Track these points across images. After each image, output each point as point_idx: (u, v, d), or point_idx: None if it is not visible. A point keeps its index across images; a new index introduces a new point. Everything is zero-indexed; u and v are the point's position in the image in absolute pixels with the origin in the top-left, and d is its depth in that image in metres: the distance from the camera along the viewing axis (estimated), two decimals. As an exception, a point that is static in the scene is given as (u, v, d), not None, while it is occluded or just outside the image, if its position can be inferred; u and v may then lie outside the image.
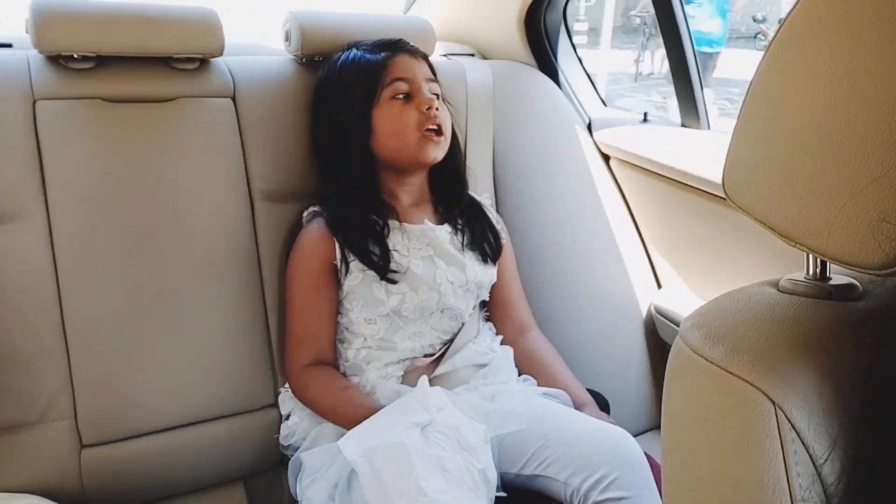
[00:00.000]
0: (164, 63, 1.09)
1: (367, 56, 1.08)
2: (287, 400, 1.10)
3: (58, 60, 1.04)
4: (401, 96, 1.06)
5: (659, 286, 1.42)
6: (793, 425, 0.39)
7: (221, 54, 1.11)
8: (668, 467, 0.45)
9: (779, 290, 0.52)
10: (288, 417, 1.10)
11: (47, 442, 0.99)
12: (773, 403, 0.39)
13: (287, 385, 1.10)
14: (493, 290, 1.18)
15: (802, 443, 0.39)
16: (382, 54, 1.08)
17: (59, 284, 1.00)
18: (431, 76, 1.11)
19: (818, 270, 0.52)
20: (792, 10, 0.47)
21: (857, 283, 0.51)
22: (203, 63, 1.12)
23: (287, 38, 1.18)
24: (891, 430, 0.41)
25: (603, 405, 1.16)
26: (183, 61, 1.10)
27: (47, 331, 0.99)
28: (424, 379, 0.99)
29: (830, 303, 0.49)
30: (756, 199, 0.49)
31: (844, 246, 0.42)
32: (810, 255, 0.51)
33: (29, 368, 0.98)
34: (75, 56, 1.03)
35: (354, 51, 1.10)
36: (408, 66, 1.07)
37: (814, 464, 0.38)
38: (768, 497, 0.38)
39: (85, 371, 1.00)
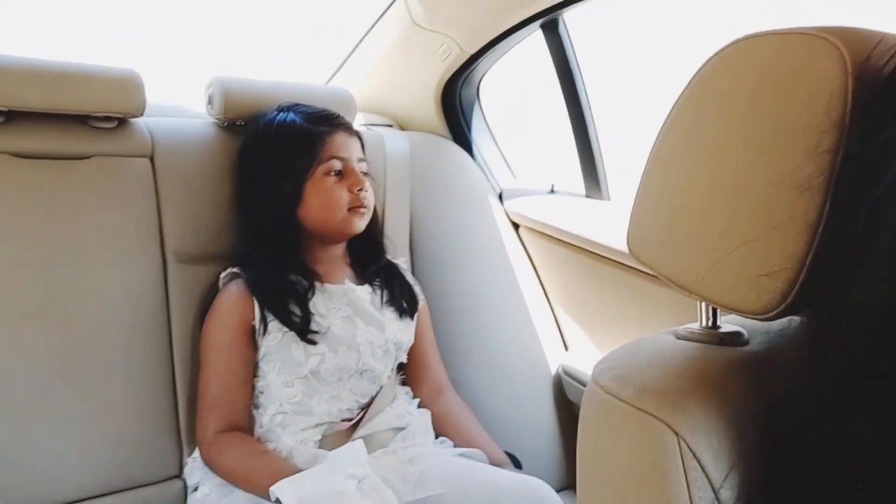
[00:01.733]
0: (79, 120, 1.08)
1: (307, 126, 1.10)
2: (195, 470, 1.06)
3: None
4: (334, 173, 1.09)
5: (566, 348, 1.48)
6: (693, 453, 0.43)
7: (142, 114, 1.11)
8: (583, 497, 0.48)
9: (677, 338, 0.57)
10: (195, 489, 1.05)
11: None
12: (677, 435, 0.44)
13: (195, 454, 1.06)
14: (411, 351, 1.20)
15: (702, 469, 0.43)
16: (322, 128, 1.10)
17: None
18: (362, 155, 1.15)
19: (710, 320, 0.58)
20: (684, 90, 0.54)
21: (743, 331, 0.58)
22: (122, 122, 1.12)
23: (210, 101, 1.20)
24: (781, 462, 0.45)
25: (516, 465, 1.18)
26: (101, 119, 1.09)
27: None
28: (360, 441, 1.00)
29: (722, 347, 0.55)
30: (656, 255, 0.55)
31: (732, 295, 0.48)
32: (703, 305, 0.57)
33: None
34: None
35: (291, 115, 1.12)
36: (344, 145, 1.11)
37: (713, 488, 0.43)
38: None
39: None
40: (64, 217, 1.04)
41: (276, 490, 0.88)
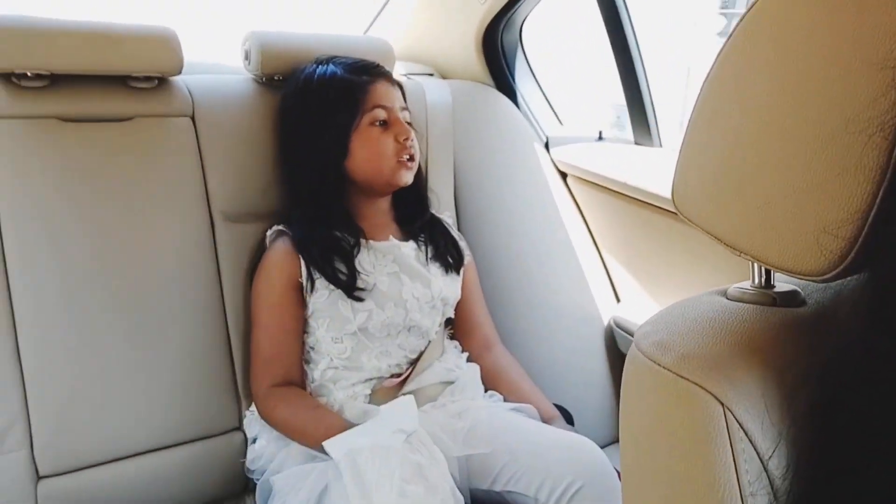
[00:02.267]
0: (120, 82, 1.08)
1: (349, 76, 1.09)
2: (253, 423, 1.08)
3: (10, 79, 1.02)
4: (378, 123, 1.07)
5: (618, 300, 1.45)
6: (740, 424, 0.41)
7: (180, 73, 1.10)
8: (626, 468, 0.47)
9: (727, 298, 0.54)
10: (254, 441, 1.08)
11: (1, 474, 0.96)
12: (722, 404, 0.41)
13: (252, 408, 1.08)
14: (458, 307, 1.19)
15: (749, 440, 0.41)
16: (364, 77, 1.08)
17: (14, 310, 0.97)
18: (405, 104, 1.13)
19: (763, 279, 0.54)
20: (732, 32, 0.50)
21: (800, 290, 0.54)
22: (161, 82, 1.12)
23: (247, 57, 1.18)
24: (833, 427, 0.43)
25: (567, 419, 1.18)
26: (140, 80, 1.09)
27: (2, 364, 0.96)
28: (410, 397, 1.00)
29: (775, 309, 0.52)
30: (703, 212, 0.52)
31: (787, 255, 0.44)
32: (755, 265, 0.54)
33: None
34: (28, 74, 1.01)
35: (332, 67, 1.10)
36: (387, 94, 1.09)
37: (760, 459, 0.40)
38: (719, 490, 0.40)
39: (41, 400, 0.98)
40: (110, 179, 1.05)
41: (328, 445, 0.90)
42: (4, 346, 0.97)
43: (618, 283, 1.45)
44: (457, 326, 1.21)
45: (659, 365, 0.45)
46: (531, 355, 1.28)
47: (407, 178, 1.10)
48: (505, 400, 1.13)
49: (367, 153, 1.07)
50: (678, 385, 0.43)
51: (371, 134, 1.07)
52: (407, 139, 1.08)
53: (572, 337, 1.38)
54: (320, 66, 1.11)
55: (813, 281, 0.44)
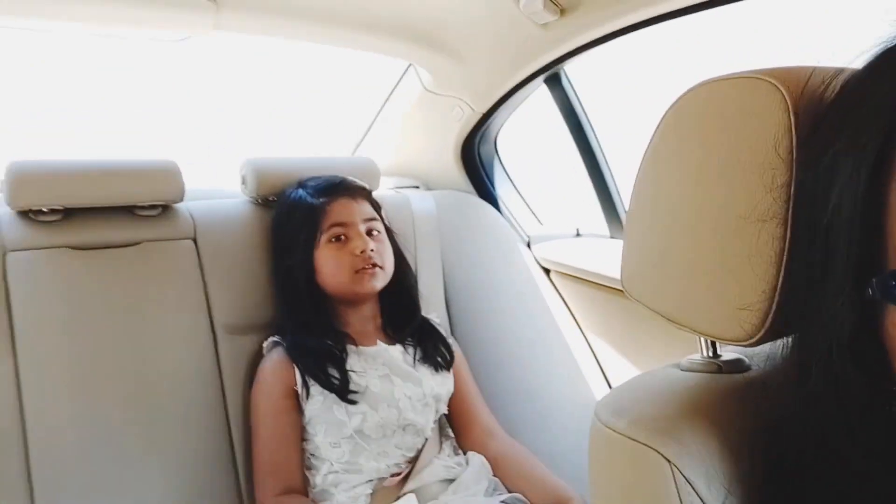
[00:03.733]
0: (127, 211, 1.18)
1: (309, 200, 1.18)
2: None
3: (27, 215, 1.11)
4: (335, 240, 1.16)
5: (609, 387, 1.48)
6: (688, 480, 0.45)
7: (182, 200, 1.20)
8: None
9: (680, 369, 0.60)
10: None
11: None
12: (669, 462, 0.46)
13: None
14: (453, 402, 1.22)
15: (697, 495, 0.45)
16: (321, 199, 1.18)
17: (25, 425, 1.01)
18: (371, 214, 1.21)
19: (710, 350, 0.60)
20: (654, 131, 0.58)
21: (744, 358, 0.59)
22: (165, 209, 1.21)
23: (243, 181, 1.29)
24: (773, 483, 0.47)
25: None
26: (146, 208, 1.18)
27: (13, 476, 1.00)
28: (412, 496, 1.03)
29: (722, 375, 0.57)
30: (646, 291, 0.58)
31: (715, 326, 0.51)
32: (700, 337, 0.60)
33: None
34: (45, 210, 1.11)
35: (300, 191, 1.21)
36: (345, 210, 1.18)
37: None
38: None
39: None
40: (119, 299, 1.12)
41: None
42: (17, 465, 1.00)
43: (608, 370, 1.49)
44: (454, 421, 1.24)
45: (614, 431, 0.50)
46: (528, 445, 1.30)
47: (370, 285, 1.16)
48: (516, 483, 1.14)
49: (329, 269, 1.15)
50: (629, 447, 0.48)
51: (329, 251, 1.16)
52: (363, 251, 1.15)
53: (567, 425, 1.40)
54: (294, 190, 1.22)
55: (740, 346, 0.51)
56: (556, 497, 1.11)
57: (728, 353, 0.61)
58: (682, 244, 0.52)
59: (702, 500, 0.45)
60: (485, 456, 1.18)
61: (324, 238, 1.16)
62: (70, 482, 1.02)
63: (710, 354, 0.60)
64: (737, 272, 0.48)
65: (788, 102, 0.45)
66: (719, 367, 0.58)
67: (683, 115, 0.55)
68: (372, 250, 1.16)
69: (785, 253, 0.45)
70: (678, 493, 0.45)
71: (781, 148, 0.45)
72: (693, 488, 0.46)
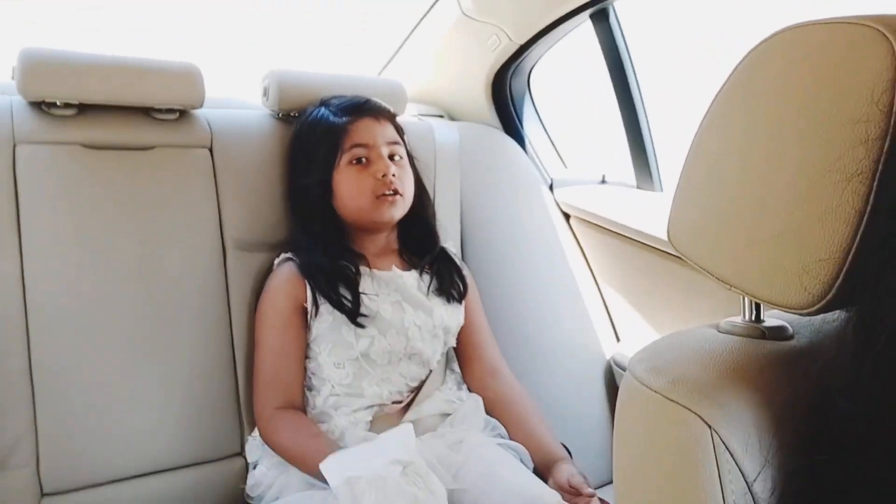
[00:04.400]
0: (144, 113, 1.13)
1: (331, 119, 1.13)
2: (255, 448, 1.10)
3: (40, 107, 1.07)
4: (356, 161, 1.11)
5: (618, 339, 1.47)
6: (726, 446, 0.43)
7: (201, 106, 1.15)
8: (619, 489, 0.49)
9: (719, 331, 0.57)
10: (255, 466, 1.09)
11: (6, 491, 0.97)
12: (710, 427, 0.44)
13: (255, 433, 1.10)
14: (461, 333, 1.20)
15: (735, 462, 0.43)
16: (344, 118, 1.12)
17: (29, 328, 1.00)
18: (395, 138, 1.16)
19: (753, 314, 0.57)
20: (723, 84, 0.53)
21: (788, 326, 0.56)
22: (182, 114, 1.16)
23: (265, 93, 1.24)
24: (817, 454, 0.45)
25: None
26: (163, 112, 1.14)
27: (13, 376, 0.99)
28: (409, 425, 1.01)
29: (764, 341, 0.54)
30: (696, 248, 0.55)
31: (773, 290, 0.47)
32: (745, 300, 0.56)
33: None
34: (58, 103, 1.06)
35: (322, 110, 1.16)
36: (368, 131, 1.12)
37: (745, 481, 0.43)
38: None
39: (49, 418, 1.00)
40: (129, 204, 1.09)
41: (323, 466, 0.91)
42: (18, 363, 0.99)
43: (618, 322, 1.47)
44: (460, 353, 1.22)
45: (651, 389, 0.47)
46: (530, 391, 1.29)
47: (390, 213, 1.12)
48: (510, 433, 1.13)
49: (347, 192, 1.11)
50: (668, 408, 0.45)
51: (350, 173, 1.11)
52: (385, 175, 1.10)
53: (572, 375, 1.39)
54: (315, 109, 1.17)
55: (798, 314, 0.47)
56: (548, 456, 1.09)
57: (771, 318, 0.58)
58: (746, 198, 0.49)
59: (739, 467, 0.43)
60: (485, 395, 1.17)
61: (344, 159, 1.11)
62: (70, 379, 1.01)
63: (753, 318, 0.57)
64: (806, 232, 0.44)
65: None
66: (763, 332, 0.55)
67: (765, 59, 0.50)
68: (393, 175, 1.11)
69: (867, 213, 0.42)
70: (716, 459, 0.43)
71: (882, 101, 0.41)
72: (731, 455, 0.44)
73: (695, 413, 0.44)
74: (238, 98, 1.34)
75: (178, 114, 1.16)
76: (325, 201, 1.12)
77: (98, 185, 1.07)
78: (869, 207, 0.42)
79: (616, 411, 0.52)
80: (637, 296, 1.41)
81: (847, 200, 0.42)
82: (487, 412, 1.16)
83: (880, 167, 0.41)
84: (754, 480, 0.43)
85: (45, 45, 1.07)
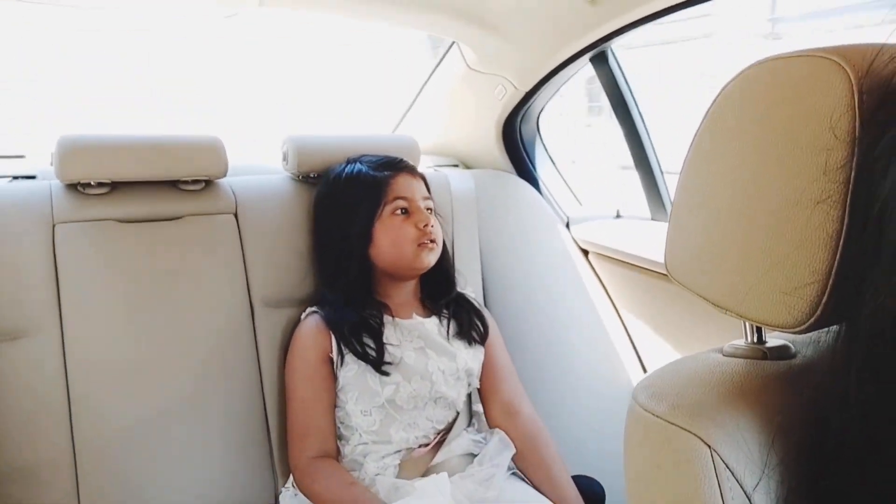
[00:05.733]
0: (172, 185, 1.20)
1: (372, 173, 1.19)
2: (288, 499, 1.12)
3: (76, 188, 1.14)
4: (400, 212, 1.16)
5: (644, 370, 1.47)
6: (726, 464, 0.45)
7: (225, 175, 1.22)
8: (631, 511, 0.51)
9: (723, 355, 0.59)
10: None
11: None
12: (709, 447, 0.45)
13: (288, 484, 1.13)
14: (482, 372, 1.22)
15: (735, 479, 0.44)
16: (386, 173, 1.18)
17: (70, 396, 1.05)
18: (427, 194, 1.22)
19: (755, 336, 0.59)
20: (704, 115, 0.56)
21: (790, 345, 0.58)
22: (208, 184, 1.23)
23: (285, 158, 1.30)
24: (816, 468, 0.46)
25: (598, 492, 1.18)
26: (189, 183, 1.20)
27: (56, 442, 1.04)
28: (444, 474, 1.04)
29: (767, 362, 0.56)
30: (692, 276, 0.57)
31: (762, 311, 0.49)
32: (745, 323, 0.58)
33: (36, 480, 1.02)
34: (92, 183, 1.14)
35: (358, 165, 1.21)
36: (407, 186, 1.18)
37: (745, 493, 0.44)
38: None
39: (91, 480, 1.04)
40: (162, 270, 1.15)
41: None
42: (60, 430, 1.04)
43: (643, 353, 1.47)
44: (481, 392, 1.23)
45: (653, 414, 0.49)
46: (560, 427, 1.30)
47: (429, 260, 1.17)
48: (531, 481, 1.14)
49: (390, 239, 1.15)
50: (669, 431, 0.47)
51: (393, 222, 1.15)
52: (426, 225, 1.16)
53: (600, 408, 1.39)
54: (349, 165, 1.22)
55: (789, 333, 0.49)
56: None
57: (774, 339, 0.59)
58: (733, 227, 0.51)
59: (741, 486, 0.45)
60: (506, 427, 1.18)
61: (387, 210, 1.16)
62: (112, 450, 1.06)
63: (755, 340, 0.58)
64: (789, 257, 0.47)
65: (853, 81, 0.43)
66: (764, 353, 0.57)
67: (741, 93, 0.53)
68: (432, 226, 1.17)
69: (841, 237, 0.44)
70: (717, 478, 0.45)
71: (839, 128, 0.43)
72: (732, 474, 0.45)
73: (694, 434, 0.46)
74: (259, 164, 1.40)
75: (203, 184, 1.22)
76: (363, 250, 1.16)
77: (132, 256, 1.14)
78: (843, 232, 0.44)
79: (624, 437, 0.53)
80: (660, 326, 1.41)
81: (821, 226, 0.44)
82: None
83: (849, 191, 0.43)
84: (753, 492, 0.44)
85: (79, 132, 1.15)
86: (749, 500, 0.44)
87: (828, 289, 0.45)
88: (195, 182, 1.21)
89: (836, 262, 0.44)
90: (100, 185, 1.14)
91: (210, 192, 1.23)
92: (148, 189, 1.18)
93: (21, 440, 1.02)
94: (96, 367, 1.07)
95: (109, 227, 1.14)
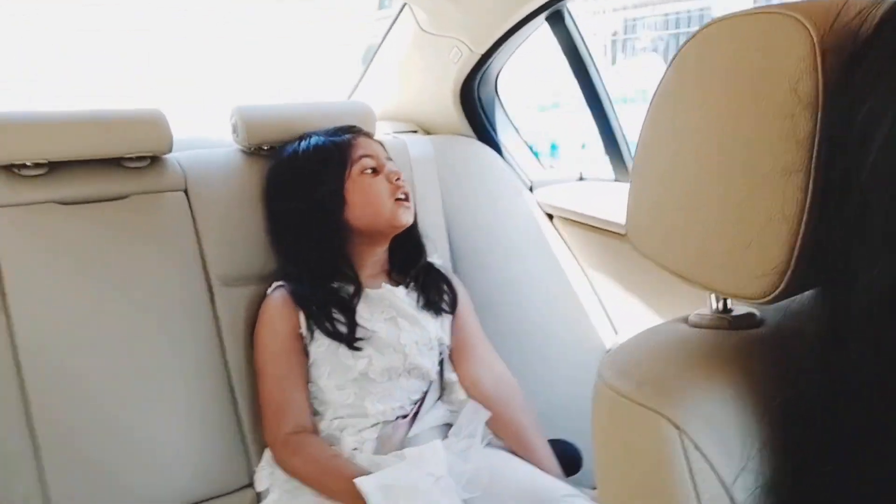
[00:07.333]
0: (114, 163, 1.13)
1: (331, 138, 1.16)
2: (263, 478, 1.10)
3: (11, 169, 1.07)
4: (369, 171, 1.13)
5: (615, 332, 1.47)
6: (698, 448, 0.43)
7: (170, 151, 1.16)
8: (600, 491, 0.49)
9: (688, 325, 0.57)
10: (266, 495, 1.09)
11: None
12: (678, 428, 0.43)
13: (263, 463, 1.10)
14: (452, 336, 1.20)
15: (708, 463, 0.42)
16: (346, 136, 1.16)
17: (24, 384, 1.01)
18: (388, 156, 1.19)
19: (721, 304, 0.57)
20: (664, 75, 0.54)
21: (756, 312, 0.57)
22: (154, 160, 1.17)
23: (235, 130, 1.24)
24: (804, 447, 0.44)
25: (575, 455, 1.19)
26: (133, 160, 1.14)
27: (15, 429, 1.00)
28: (439, 442, 1.03)
29: (732, 332, 0.54)
30: (653, 245, 0.55)
31: (726, 281, 0.48)
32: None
33: (1, 473, 0.98)
34: (28, 164, 1.07)
35: (314, 137, 1.17)
36: (370, 146, 1.16)
37: (722, 483, 0.42)
38: None
39: (55, 466, 1.01)
40: (109, 254, 1.10)
41: (360, 481, 0.93)
42: (17, 420, 1.00)
43: (614, 316, 1.47)
44: (453, 356, 1.21)
45: (617, 393, 0.47)
46: (536, 391, 1.30)
47: (407, 218, 1.14)
48: (506, 444, 1.14)
49: (364, 198, 1.12)
50: (635, 411, 0.45)
51: (364, 180, 1.12)
52: (398, 178, 1.14)
53: (571, 371, 1.40)
54: (304, 141, 1.18)
55: (757, 304, 0.48)
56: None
57: (739, 307, 0.58)
58: (697, 195, 0.49)
59: (714, 469, 0.43)
60: (478, 391, 1.16)
61: (356, 169, 1.13)
62: (71, 428, 1.02)
63: (720, 308, 0.57)
64: (753, 224, 0.45)
65: (815, 39, 0.40)
66: (730, 322, 0.55)
67: (698, 54, 0.50)
68: (404, 181, 1.15)
69: (807, 207, 0.42)
70: (687, 462, 0.43)
71: (803, 92, 0.41)
72: (704, 456, 0.43)
73: (662, 415, 0.44)
74: (208, 137, 1.34)
75: (148, 160, 1.16)
76: (338, 214, 1.12)
77: (76, 239, 1.08)
78: (808, 203, 0.41)
79: (591, 416, 0.52)
80: (628, 287, 1.41)
81: (788, 197, 0.42)
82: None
83: (814, 162, 0.41)
84: (733, 483, 0.42)
85: (8, 108, 1.08)
86: (725, 490, 0.42)
87: (793, 259, 0.43)
88: (140, 159, 1.15)
89: (801, 234, 0.42)
90: (36, 165, 1.08)
91: (156, 168, 1.17)
92: (89, 168, 1.12)
93: None
94: (48, 354, 1.03)
95: (50, 209, 1.08)
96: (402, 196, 1.13)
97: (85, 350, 1.05)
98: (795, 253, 0.43)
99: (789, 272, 0.44)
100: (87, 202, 1.10)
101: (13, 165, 1.07)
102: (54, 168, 1.10)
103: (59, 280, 1.06)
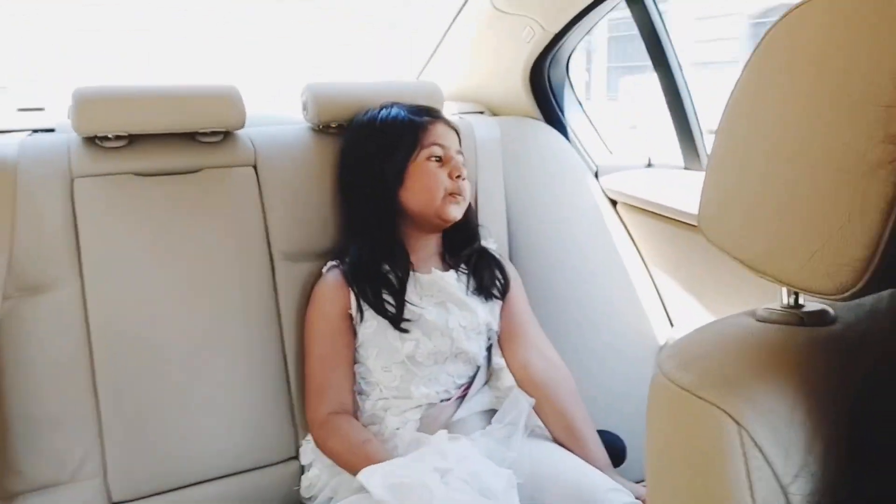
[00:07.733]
0: (189, 138, 1.18)
1: (410, 116, 1.16)
2: (308, 451, 1.13)
3: (94, 141, 1.13)
4: (434, 159, 1.14)
5: (671, 324, 1.43)
6: (756, 444, 0.41)
7: (243, 127, 1.19)
8: (650, 487, 0.48)
9: (755, 319, 0.55)
10: (309, 469, 1.12)
11: (77, 502, 1.03)
12: (738, 424, 0.42)
13: (308, 437, 1.13)
14: (502, 320, 1.19)
15: (767, 461, 0.41)
16: (425, 118, 1.16)
17: (92, 348, 1.06)
18: (459, 148, 1.19)
19: (792, 299, 0.55)
20: (746, 64, 0.51)
21: (829, 309, 0.54)
22: (226, 135, 1.21)
23: (305, 108, 1.26)
24: (870, 451, 0.42)
25: (620, 447, 1.17)
26: (208, 135, 1.18)
27: (80, 393, 1.05)
28: (444, 432, 1.03)
29: (803, 328, 0.52)
30: (727, 236, 0.53)
31: (803, 277, 0.46)
32: (782, 286, 0.54)
33: (62, 429, 1.04)
34: (110, 136, 1.12)
35: (395, 109, 1.18)
36: (445, 135, 1.16)
37: (779, 482, 0.41)
38: None
39: (115, 430, 1.06)
40: (180, 225, 1.14)
41: (364, 478, 0.93)
42: (84, 381, 1.05)
43: (671, 308, 1.44)
44: (501, 338, 1.20)
45: (677, 385, 0.46)
46: (585, 380, 1.28)
47: (455, 213, 1.14)
48: (554, 434, 1.12)
49: (421, 184, 1.12)
50: (695, 405, 0.44)
51: (427, 167, 1.13)
52: (459, 176, 1.14)
53: (626, 362, 1.37)
54: (384, 109, 1.19)
55: (831, 300, 0.45)
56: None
57: (811, 303, 0.55)
58: (775, 185, 0.47)
59: (772, 468, 0.41)
60: (527, 373, 1.14)
61: (423, 153, 1.13)
62: (133, 393, 1.07)
63: (792, 303, 0.55)
64: (834, 218, 0.42)
65: None
66: (801, 318, 0.53)
67: (786, 39, 0.47)
68: (464, 179, 1.15)
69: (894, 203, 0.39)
70: (745, 459, 0.41)
71: None
72: (763, 455, 0.42)
73: (722, 409, 0.43)
74: (280, 114, 1.37)
75: (222, 136, 1.20)
76: (394, 190, 1.13)
77: (151, 210, 1.13)
78: None
79: (647, 407, 0.51)
80: (689, 280, 1.37)
81: (874, 192, 0.40)
82: (530, 393, 1.13)
83: None
84: (791, 483, 0.41)
85: (95, 84, 1.13)
86: (783, 489, 0.41)
87: (878, 255, 0.41)
88: (213, 134, 1.19)
89: (887, 231, 0.40)
90: (117, 137, 1.13)
91: (229, 144, 1.21)
92: (166, 142, 1.16)
93: (46, 392, 1.04)
94: (117, 319, 1.08)
95: (128, 180, 1.13)
96: (458, 192, 1.13)
97: (151, 317, 1.10)
98: (880, 249, 0.40)
99: (870, 269, 0.41)
100: (163, 174, 1.15)
101: (96, 137, 1.12)
102: (134, 141, 1.14)
103: (131, 248, 1.10)
